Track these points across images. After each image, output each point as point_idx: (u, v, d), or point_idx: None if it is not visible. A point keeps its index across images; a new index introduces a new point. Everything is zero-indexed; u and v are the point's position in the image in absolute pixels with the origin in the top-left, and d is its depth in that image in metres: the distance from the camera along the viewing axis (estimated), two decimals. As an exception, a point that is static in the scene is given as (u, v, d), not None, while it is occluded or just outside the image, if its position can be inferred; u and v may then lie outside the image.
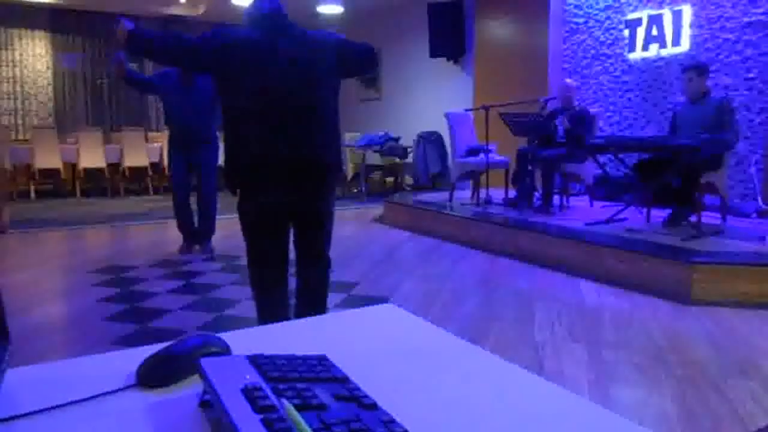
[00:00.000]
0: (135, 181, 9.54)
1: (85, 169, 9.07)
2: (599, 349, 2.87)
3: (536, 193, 5.70)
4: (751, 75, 5.54)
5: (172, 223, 5.19)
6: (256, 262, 2.49)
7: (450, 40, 8.65)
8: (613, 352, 2.83)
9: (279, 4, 2.36)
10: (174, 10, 10.70)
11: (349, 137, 8.88)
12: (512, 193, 5.93)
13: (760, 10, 5.41)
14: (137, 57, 2.24)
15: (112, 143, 9.62)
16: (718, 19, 5.77)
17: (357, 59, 2.47)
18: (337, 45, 2.41)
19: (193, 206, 5.05)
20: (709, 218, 4.71)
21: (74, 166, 9.10)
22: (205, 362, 0.60)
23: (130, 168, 9.30)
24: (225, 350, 0.73)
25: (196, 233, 5.07)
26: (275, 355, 0.64)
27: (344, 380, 0.61)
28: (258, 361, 0.61)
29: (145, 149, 9.43)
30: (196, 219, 5.06)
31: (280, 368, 0.60)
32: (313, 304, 2.54)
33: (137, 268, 4.59)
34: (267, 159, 2.27)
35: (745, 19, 5.55)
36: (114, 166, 9.35)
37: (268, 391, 0.53)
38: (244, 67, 2.26)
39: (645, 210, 4.86)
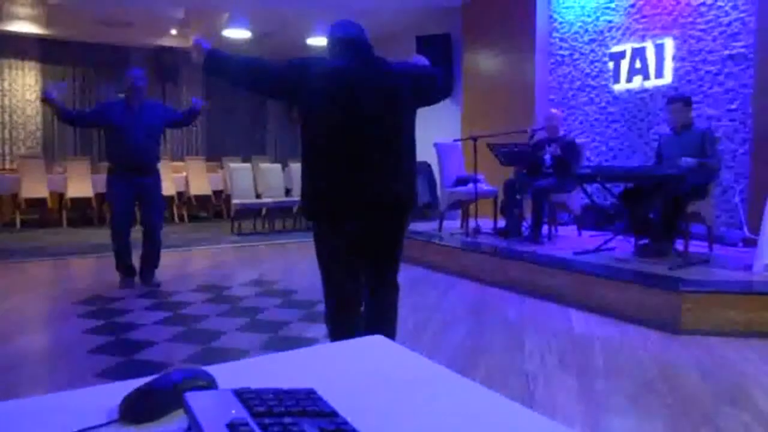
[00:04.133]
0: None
1: (72, 199, 9.01)
2: (590, 379, 2.85)
3: (525, 223, 5.73)
4: (733, 106, 5.65)
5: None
6: (333, 294, 2.44)
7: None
8: (604, 382, 2.82)
9: (362, 30, 2.37)
10: (165, 42, 10.80)
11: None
12: (501, 223, 5.95)
13: (741, 44, 5.55)
14: (214, 77, 2.25)
15: (100, 173, 9.58)
16: (699, 52, 5.90)
17: (430, 90, 2.48)
18: (416, 73, 2.42)
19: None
20: (696, 247, 4.74)
21: (61, 195, 9.04)
22: (189, 396, 0.59)
23: (118, 197, 9.25)
24: (210, 384, 0.71)
25: (133, 268, 4.92)
26: (262, 389, 0.63)
27: (332, 414, 0.60)
28: (244, 396, 0.60)
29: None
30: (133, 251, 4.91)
31: (267, 402, 0.59)
32: (387, 331, 2.49)
33: (123, 299, 4.53)
34: (352, 190, 2.24)
35: (726, 52, 5.68)
36: (102, 196, 9.29)
37: (254, 427, 0.52)
38: (330, 97, 2.23)
39: (633, 239, 4.88)
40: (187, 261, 5.56)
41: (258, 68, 2.31)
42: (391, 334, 2.53)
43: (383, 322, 2.53)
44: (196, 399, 0.58)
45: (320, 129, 2.27)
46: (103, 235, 8.00)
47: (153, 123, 4.76)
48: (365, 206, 2.29)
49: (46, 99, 4.65)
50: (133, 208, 4.91)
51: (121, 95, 4.89)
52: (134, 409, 0.66)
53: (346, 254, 2.39)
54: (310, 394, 0.64)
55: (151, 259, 4.94)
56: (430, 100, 2.54)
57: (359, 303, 2.48)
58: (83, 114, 5.02)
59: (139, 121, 4.66)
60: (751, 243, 4.61)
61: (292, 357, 0.93)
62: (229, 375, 0.76)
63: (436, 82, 2.51)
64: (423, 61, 2.61)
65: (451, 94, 2.49)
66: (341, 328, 2.45)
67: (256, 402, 0.59)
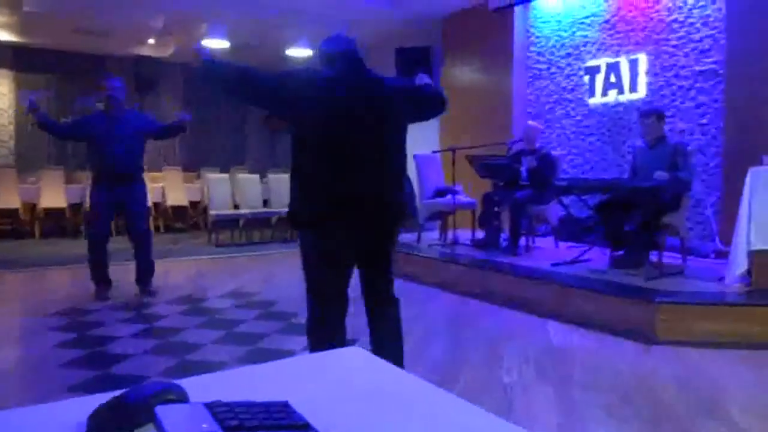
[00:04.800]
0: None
1: (46, 210, 8.85)
2: (568, 390, 2.87)
3: (503, 234, 5.76)
4: (704, 121, 5.77)
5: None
6: (318, 304, 2.41)
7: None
8: (582, 393, 2.83)
9: (355, 44, 2.40)
10: (143, 51, 10.71)
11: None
12: (479, 234, 5.98)
13: (711, 60, 5.68)
14: (208, 84, 2.22)
15: (74, 183, 9.44)
16: (672, 68, 6.03)
17: (427, 104, 2.54)
18: (409, 89, 2.48)
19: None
20: (670, 259, 4.82)
21: (34, 206, 8.88)
22: (160, 410, 0.58)
23: (92, 208, 9.10)
24: (182, 397, 0.70)
25: (108, 279, 4.90)
26: (234, 402, 0.62)
27: (305, 427, 0.59)
28: (216, 409, 0.59)
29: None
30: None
31: (239, 416, 0.58)
32: (397, 350, 2.53)
33: (98, 311, 4.45)
34: (344, 197, 2.25)
35: (698, 68, 5.81)
36: (76, 207, 9.15)
37: (226, 441, 0.51)
38: (325, 107, 2.25)
39: (608, 251, 4.94)
40: (164, 273, 5.48)
41: (253, 78, 2.30)
42: (401, 352, 2.54)
43: (392, 340, 2.53)
44: (166, 413, 0.57)
45: (314, 138, 2.27)
46: (77, 246, 7.86)
47: (133, 132, 4.74)
48: (358, 213, 2.30)
49: (32, 111, 4.65)
50: (112, 219, 4.87)
51: (100, 104, 4.86)
52: (103, 424, 0.64)
53: (336, 264, 2.37)
54: (283, 407, 0.64)
55: (144, 268, 4.94)
56: (433, 110, 2.58)
57: (343, 319, 2.43)
58: (63, 126, 4.98)
59: (120, 130, 4.65)
60: (723, 255, 4.70)
61: (267, 369, 0.92)
62: (201, 388, 0.74)
63: (438, 93, 2.57)
64: (425, 79, 2.66)
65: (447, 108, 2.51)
66: (322, 342, 2.40)
67: (228, 415, 0.58)
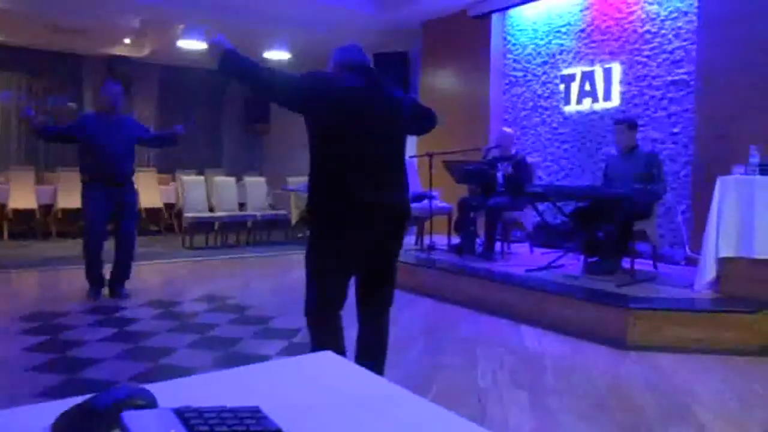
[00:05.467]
0: (69, 224, 9.15)
1: (15, 210, 8.66)
2: (542, 396, 2.89)
3: (478, 240, 5.80)
4: (676, 130, 5.88)
5: (107, 269, 4.97)
6: (321, 303, 2.50)
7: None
8: (556, 399, 2.86)
9: (366, 55, 2.54)
10: (118, 51, 10.57)
11: (291, 182, 8.85)
12: (455, 240, 6.01)
13: (683, 70, 5.80)
14: (229, 78, 2.25)
15: (45, 184, 9.25)
16: (645, 78, 6.14)
17: (425, 119, 2.71)
18: (413, 103, 2.68)
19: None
20: (642, 265, 4.89)
21: (3, 206, 8.68)
22: (126, 416, 0.57)
23: (63, 210, 8.94)
24: (151, 403, 0.69)
25: (103, 279, 4.94)
26: (204, 407, 0.61)
27: (276, 433, 0.58)
28: (185, 415, 0.58)
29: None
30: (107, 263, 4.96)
31: (208, 422, 0.57)
32: (383, 353, 2.65)
33: (68, 314, 4.36)
34: (364, 199, 2.37)
35: (669, 78, 5.93)
36: (46, 208, 8.97)
37: (194, 447, 0.50)
38: (347, 113, 2.36)
39: (582, 257, 5.00)
40: (137, 276, 5.39)
41: (280, 75, 2.37)
42: (384, 359, 2.65)
43: (380, 348, 2.64)
44: (133, 419, 0.56)
45: (337, 141, 2.38)
46: (47, 249, 7.71)
47: (128, 137, 4.89)
48: (374, 211, 2.41)
49: (26, 118, 4.81)
50: (108, 221, 4.92)
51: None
52: (68, 430, 0.63)
53: (348, 261, 2.47)
54: (254, 413, 0.63)
55: (122, 270, 4.99)
56: (429, 127, 2.77)
57: (340, 315, 2.54)
58: (59, 129, 5.02)
59: (117, 133, 4.79)
60: (693, 262, 4.79)
61: (239, 374, 0.91)
62: (171, 393, 0.73)
63: (432, 111, 2.76)
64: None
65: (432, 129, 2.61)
66: (323, 334, 2.52)
67: (197, 421, 0.57)
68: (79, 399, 0.69)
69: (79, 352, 3.49)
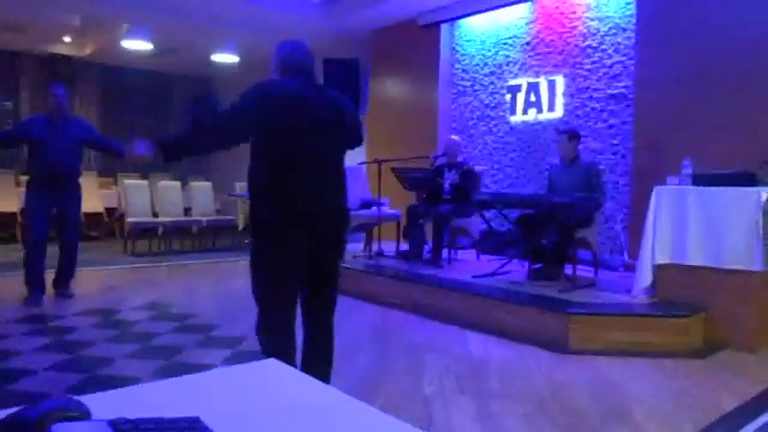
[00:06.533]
0: (2, 229, 8.73)
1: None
2: (486, 401, 2.93)
3: (426, 246, 5.85)
4: (615, 141, 6.11)
5: (48, 275, 4.80)
6: (276, 312, 2.44)
7: (345, 96, 8.84)
8: (500, 403, 2.91)
9: (313, 57, 2.50)
10: (58, 49, 10.18)
11: (239, 187, 8.71)
12: (404, 246, 6.05)
13: (621, 84, 6.04)
14: (187, 156, 2.26)
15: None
16: (586, 90, 6.36)
17: (357, 137, 2.69)
18: (354, 115, 2.64)
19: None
20: (583, 271, 5.05)
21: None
22: (57, 429, 0.54)
23: (-5, 214, 8.53)
24: (84, 415, 0.66)
25: (44, 282, 4.86)
26: (141, 418, 0.60)
27: (216, 443, 0.57)
28: (120, 426, 0.57)
29: (15, 194, 8.69)
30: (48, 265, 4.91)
31: (145, 433, 0.56)
32: (329, 360, 2.61)
33: (1, 323, 4.15)
34: (307, 208, 2.36)
35: (609, 91, 6.16)
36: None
37: (129, 460, 0.49)
38: (289, 117, 2.33)
39: (527, 263, 5.12)
40: (75, 283, 5.19)
41: (225, 112, 2.31)
42: (330, 366, 2.62)
43: (326, 355, 2.61)
44: (64, 431, 0.54)
45: (279, 149, 2.36)
46: (-23, 255, 7.32)
47: (75, 138, 4.83)
48: (315, 215, 2.40)
49: None
50: (50, 224, 4.86)
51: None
52: (-6, 445, 0.60)
53: (294, 272, 2.43)
54: (194, 423, 0.62)
55: (66, 270, 4.99)
56: (356, 142, 2.71)
57: (294, 326, 2.49)
58: (2, 132, 4.92)
59: (63, 135, 4.73)
60: (631, 268, 4.96)
61: (180, 384, 0.88)
62: (107, 405, 0.71)
63: (361, 136, 2.73)
64: None
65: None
66: (277, 344, 2.43)
67: (133, 433, 0.55)
68: (5, 412, 0.66)
69: (12, 362, 3.33)
